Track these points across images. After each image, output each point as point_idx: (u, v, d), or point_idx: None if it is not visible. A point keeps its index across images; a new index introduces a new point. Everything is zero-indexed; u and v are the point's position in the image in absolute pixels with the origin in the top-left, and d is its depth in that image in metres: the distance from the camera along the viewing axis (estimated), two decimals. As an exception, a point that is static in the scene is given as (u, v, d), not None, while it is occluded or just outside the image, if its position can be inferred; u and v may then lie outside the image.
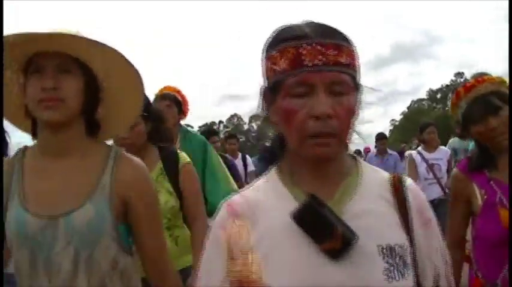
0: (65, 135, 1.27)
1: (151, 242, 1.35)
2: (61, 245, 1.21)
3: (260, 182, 0.99)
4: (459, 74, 58.29)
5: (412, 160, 5.10)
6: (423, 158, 5.02)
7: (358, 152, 10.22)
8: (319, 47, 0.84)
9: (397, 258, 0.85)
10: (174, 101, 3.05)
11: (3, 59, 1.24)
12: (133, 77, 1.32)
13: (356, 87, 0.90)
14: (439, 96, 61.50)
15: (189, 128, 3.24)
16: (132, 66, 1.29)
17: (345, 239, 0.83)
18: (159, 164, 2.15)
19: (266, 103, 0.94)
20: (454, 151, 5.65)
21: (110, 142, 1.50)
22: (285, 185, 0.93)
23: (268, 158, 1.02)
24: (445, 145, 5.79)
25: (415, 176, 4.81)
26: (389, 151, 7.15)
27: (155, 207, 1.39)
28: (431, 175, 4.91)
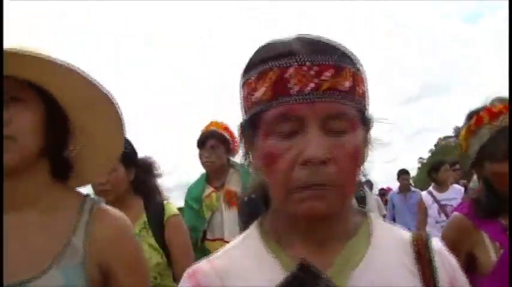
0: (22, 184, 1.00)
1: None
2: None
3: (236, 244, 0.78)
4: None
5: (421, 202, 4.89)
6: (434, 199, 4.82)
7: (382, 192, 9.89)
8: (310, 68, 0.64)
9: None
10: (220, 140, 2.83)
11: None
12: (107, 106, 1.02)
13: (363, 121, 0.71)
14: (465, 133, 60.05)
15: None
16: (105, 94, 1.00)
17: None
18: (143, 217, 2.01)
19: (246, 143, 0.75)
20: None
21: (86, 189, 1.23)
22: (269, 249, 0.73)
23: (248, 213, 0.82)
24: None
25: (425, 220, 4.64)
26: (413, 189, 6.78)
27: (143, 276, 1.12)
28: (443, 217, 4.56)
